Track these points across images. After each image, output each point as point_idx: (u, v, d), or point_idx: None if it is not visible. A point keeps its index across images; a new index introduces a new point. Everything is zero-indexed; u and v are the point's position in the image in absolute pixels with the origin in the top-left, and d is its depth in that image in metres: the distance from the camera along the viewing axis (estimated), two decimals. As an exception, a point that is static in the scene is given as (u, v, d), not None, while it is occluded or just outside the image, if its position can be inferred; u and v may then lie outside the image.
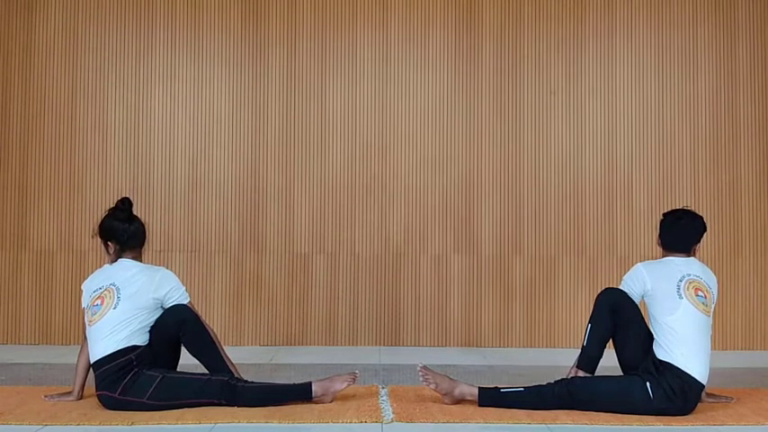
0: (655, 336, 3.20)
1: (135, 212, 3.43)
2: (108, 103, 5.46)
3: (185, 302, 3.29)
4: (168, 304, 3.26)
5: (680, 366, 3.09)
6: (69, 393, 3.34)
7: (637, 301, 3.30)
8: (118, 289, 3.21)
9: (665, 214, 3.47)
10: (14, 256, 5.37)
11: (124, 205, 3.37)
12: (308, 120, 5.47)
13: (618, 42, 5.54)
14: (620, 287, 3.34)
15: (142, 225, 3.37)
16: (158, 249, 5.26)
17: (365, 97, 5.50)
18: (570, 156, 5.49)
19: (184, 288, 3.33)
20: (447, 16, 5.53)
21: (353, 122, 5.48)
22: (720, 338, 5.28)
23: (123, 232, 3.32)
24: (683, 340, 3.12)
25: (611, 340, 3.32)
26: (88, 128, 5.44)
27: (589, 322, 3.31)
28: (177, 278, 3.34)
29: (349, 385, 3.26)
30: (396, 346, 5.35)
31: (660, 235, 3.42)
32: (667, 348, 3.13)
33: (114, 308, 3.16)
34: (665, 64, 5.54)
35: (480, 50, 5.52)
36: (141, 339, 3.17)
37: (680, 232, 3.38)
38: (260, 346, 5.32)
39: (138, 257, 3.36)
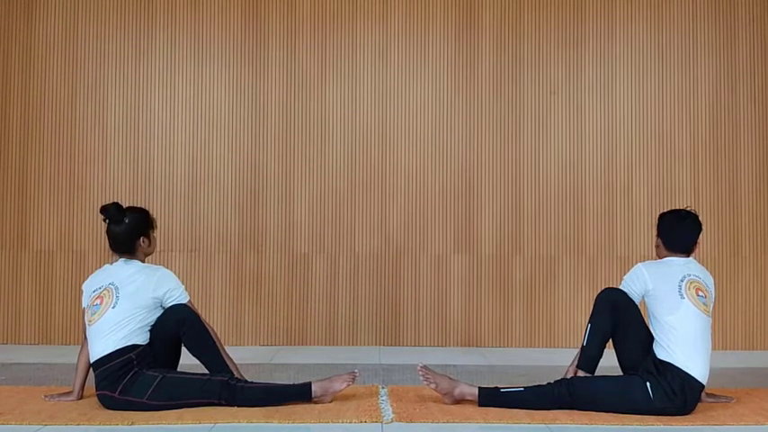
0: (655, 335, 3.21)
1: None
2: (108, 103, 5.46)
3: (185, 302, 3.29)
4: (168, 303, 3.26)
5: (680, 366, 3.09)
6: (69, 393, 3.34)
7: (637, 301, 3.30)
8: (117, 288, 3.21)
9: (664, 215, 3.47)
10: (14, 256, 5.37)
11: (104, 213, 3.34)
12: (308, 120, 5.47)
13: (618, 42, 5.54)
14: (621, 287, 3.34)
15: (120, 229, 3.30)
16: (158, 249, 5.22)
17: (365, 98, 5.50)
18: (570, 156, 5.49)
19: (184, 287, 3.33)
20: (447, 16, 5.52)
21: (353, 123, 5.48)
22: (720, 338, 5.28)
23: (109, 237, 3.33)
24: (683, 339, 3.13)
25: (610, 340, 3.33)
26: (88, 128, 5.44)
27: (589, 322, 3.31)
28: (176, 277, 3.34)
29: (349, 385, 3.26)
30: (396, 346, 5.35)
31: (662, 235, 3.40)
32: (668, 348, 3.13)
33: (113, 307, 3.17)
34: (665, 64, 5.54)
35: (480, 50, 5.52)
36: (141, 339, 3.17)
37: (685, 233, 3.38)
38: (260, 346, 5.33)
39: (134, 257, 3.35)
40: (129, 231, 3.31)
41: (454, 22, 5.53)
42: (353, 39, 5.51)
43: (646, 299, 3.30)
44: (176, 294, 3.28)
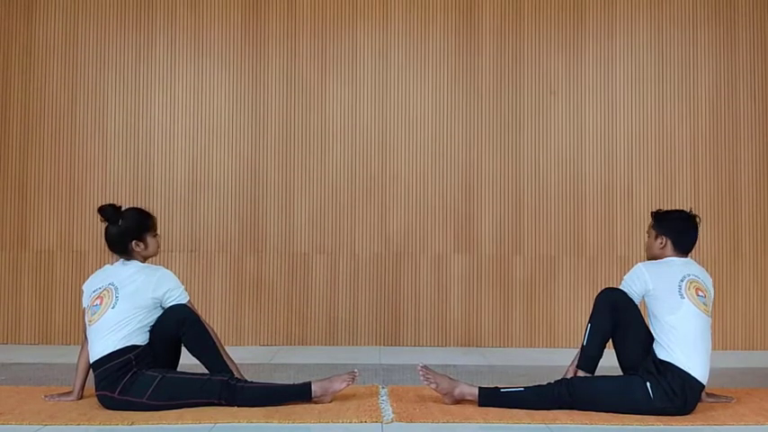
0: (655, 335, 3.21)
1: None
2: (108, 104, 5.46)
3: (184, 302, 3.29)
4: (167, 304, 3.26)
5: (681, 366, 3.09)
6: (69, 393, 3.34)
7: (637, 301, 3.30)
8: (116, 288, 3.21)
9: (667, 214, 3.43)
10: (14, 256, 5.37)
11: (101, 213, 3.34)
12: (308, 120, 5.47)
13: (618, 42, 5.54)
14: (621, 287, 3.34)
15: (114, 230, 3.30)
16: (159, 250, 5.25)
17: (365, 98, 5.50)
18: (570, 156, 5.49)
19: (183, 287, 3.33)
20: (447, 16, 5.53)
21: (353, 123, 5.48)
22: (720, 338, 5.28)
23: (105, 237, 3.33)
24: (684, 339, 3.13)
25: (610, 340, 3.33)
26: (88, 128, 5.45)
27: (589, 322, 3.31)
28: (176, 278, 3.33)
29: (348, 385, 3.26)
30: (396, 346, 5.35)
31: (670, 235, 3.36)
32: (668, 348, 3.13)
33: (113, 307, 3.17)
34: (665, 64, 5.54)
35: (480, 50, 5.52)
36: (140, 339, 3.18)
37: (692, 234, 3.39)
38: (260, 346, 5.33)
39: (131, 258, 3.33)
40: (122, 234, 3.30)
41: (454, 23, 5.53)
42: (353, 41, 5.51)
43: (646, 299, 3.29)
44: (176, 294, 3.28)
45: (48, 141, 5.42)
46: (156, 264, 3.40)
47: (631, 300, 3.29)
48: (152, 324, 3.23)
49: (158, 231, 3.44)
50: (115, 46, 5.48)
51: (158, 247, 3.43)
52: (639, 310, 3.31)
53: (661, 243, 3.39)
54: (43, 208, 5.39)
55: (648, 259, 3.45)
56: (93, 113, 5.45)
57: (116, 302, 3.18)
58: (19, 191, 5.40)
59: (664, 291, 3.23)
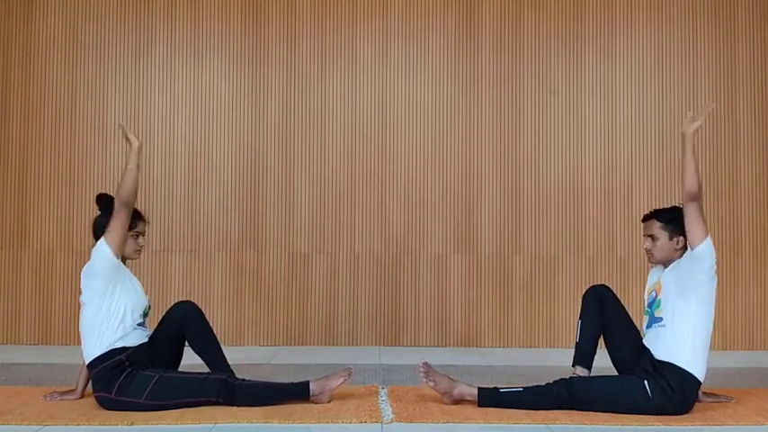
0: (668, 319, 3.16)
1: None
2: (108, 102, 5.45)
3: (104, 241, 3.09)
4: (99, 257, 3.10)
5: (678, 364, 3.09)
6: (72, 392, 3.35)
7: (710, 267, 3.17)
8: (81, 290, 3.22)
9: (671, 212, 3.34)
10: (14, 255, 5.37)
11: (96, 202, 3.32)
12: (308, 119, 5.47)
13: (618, 42, 5.54)
14: (710, 242, 3.19)
15: (96, 220, 3.28)
16: (158, 249, 5.24)
17: (365, 97, 5.49)
18: (570, 156, 5.49)
19: (102, 239, 3.12)
20: (447, 16, 5.52)
21: (353, 122, 5.48)
22: (720, 338, 5.28)
23: None
24: (699, 329, 3.13)
25: (602, 339, 3.39)
26: (88, 126, 5.44)
27: (579, 319, 3.39)
28: (97, 248, 3.13)
29: (345, 381, 3.26)
30: (396, 346, 5.34)
31: (683, 232, 3.29)
32: (674, 339, 3.11)
33: (80, 310, 3.20)
34: (665, 64, 5.53)
35: (480, 50, 5.52)
36: (128, 341, 3.14)
37: None
38: (260, 346, 5.32)
39: None
40: (98, 225, 3.24)
41: (454, 22, 5.52)
42: (353, 37, 5.51)
43: (704, 278, 3.18)
44: (94, 255, 3.11)
45: (48, 139, 5.41)
46: (156, 262, 3.38)
47: (616, 296, 3.37)
48: (127, 310, 3.16)
49: (143, 234, 3.31)
50: (114, 38, 5.47)
51: (136, 250, 3.29)
52: (623, 306, 3.39)
53: (677, 242, 3.30)
54: (43, 206, 5.39)
55: (657, 264, 3.39)
56: (92, 108, 5.44)
57: (81, 305, 3.19)
58: (19, 188, 5.39)
59: (712, 283, 3.21)
